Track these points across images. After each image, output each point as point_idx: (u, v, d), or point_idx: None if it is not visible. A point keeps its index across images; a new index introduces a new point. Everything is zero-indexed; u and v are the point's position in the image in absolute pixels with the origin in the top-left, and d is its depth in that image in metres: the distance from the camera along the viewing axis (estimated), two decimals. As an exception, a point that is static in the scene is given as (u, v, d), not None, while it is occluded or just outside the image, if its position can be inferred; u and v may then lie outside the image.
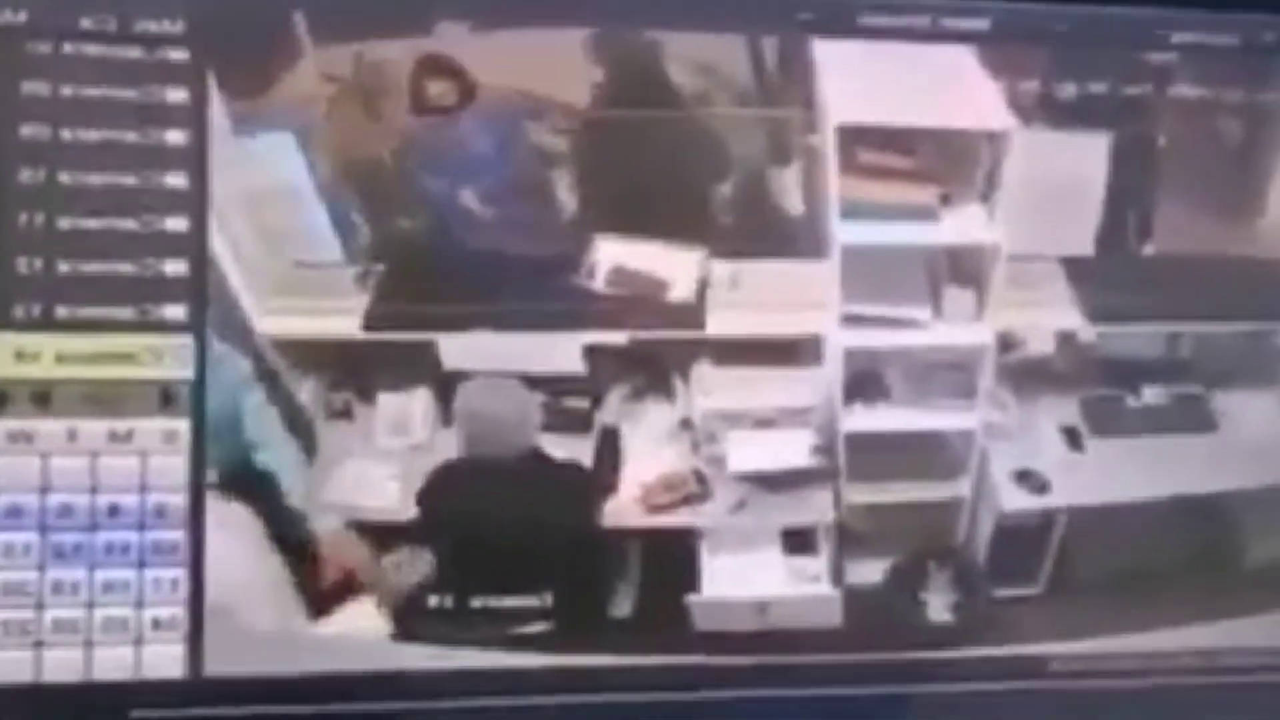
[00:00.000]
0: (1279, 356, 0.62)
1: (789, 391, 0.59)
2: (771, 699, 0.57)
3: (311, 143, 0.56)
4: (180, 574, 0.53)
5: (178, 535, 0.53)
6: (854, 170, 0.58)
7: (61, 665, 0.53)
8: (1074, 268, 0.61)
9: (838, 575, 0.59)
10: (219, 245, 0.54)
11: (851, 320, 0.59)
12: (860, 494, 0.59)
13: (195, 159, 0.54)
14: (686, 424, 0.58)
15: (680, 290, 0.58)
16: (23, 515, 0.53)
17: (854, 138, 0.58)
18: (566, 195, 0.58)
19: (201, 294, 0.54)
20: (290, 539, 0.55)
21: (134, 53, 0.54)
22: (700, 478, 0.58)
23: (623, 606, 0.57)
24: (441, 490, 0.56)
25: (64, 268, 0.53)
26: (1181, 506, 0.61)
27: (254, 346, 0.55)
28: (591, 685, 0.56)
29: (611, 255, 0.58)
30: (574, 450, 0.58)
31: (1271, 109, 0.62)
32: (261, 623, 0.54)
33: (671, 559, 0.57)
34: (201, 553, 0.53)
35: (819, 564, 0.59)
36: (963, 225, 0.60)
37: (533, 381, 0.57)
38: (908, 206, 0.59)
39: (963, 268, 0.60)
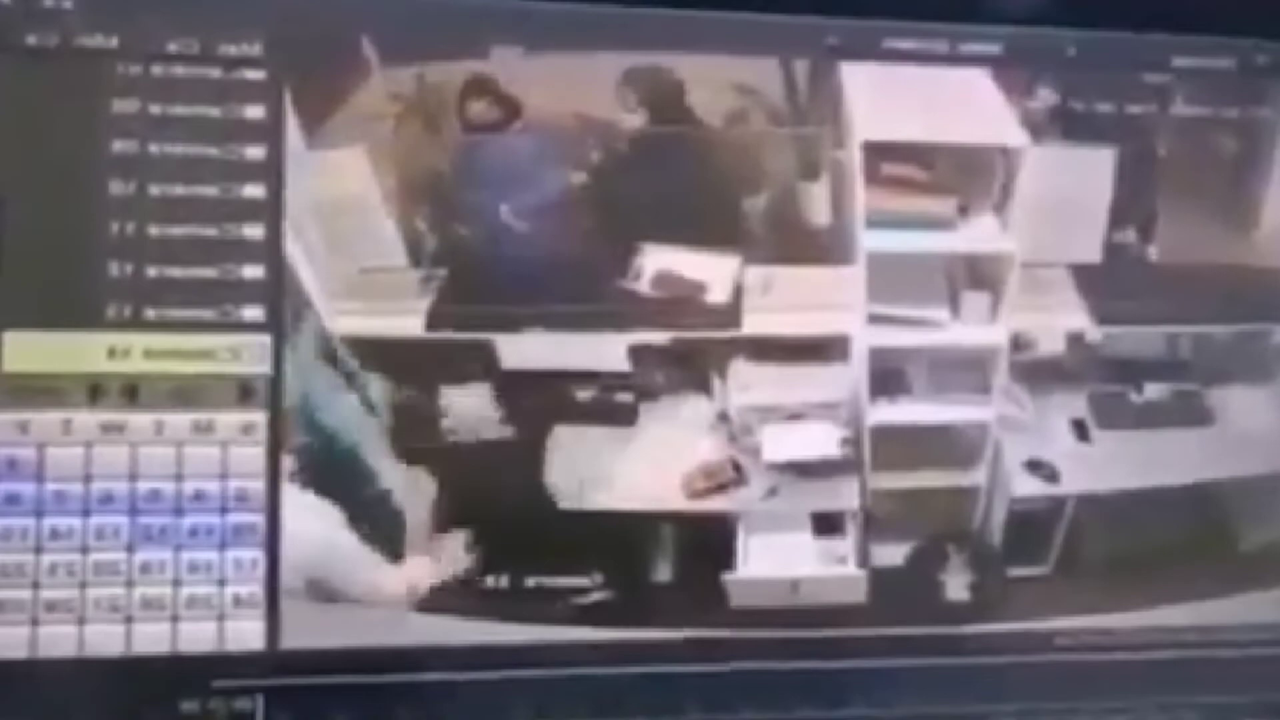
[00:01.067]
0: (1270, 356, 0.66)
1: (818, 387, 0.62)
2: (802, 670, 0.60)
3: (379, 157, 0.59)
4: (259, 554, 0.57)
5: (256, 519, 0.57)
6: (878, 183, 0.62)
7: (150, 638, 0.56)
8: (1082, 274, 0.64)
9: (863, 556, 0.61)
10: (294, 251, 0.58)
11: (876, 321, 0.62)
12: (884, 481, 0.62)
13: (272, 171, 0.58)
14: (724, 416, 0.61)
15: (718, 293, 0.61)
16: (114, 501, 0.56)
17: (878, 153, 0.62)
18: (613, 206, 0.61)
19: (277, 296, 0.58)
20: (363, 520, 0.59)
21: (216, 73, 0.58)
22: (737, 466, 0.61)
23: (665, 584, 0.60)
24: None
25: (151, 272, 0.57)
26: (1180, 494, 0.64)
27: (327, 345, 0.58)
28: (636, 657, 0.59)
29: (655, 261, 0.61)
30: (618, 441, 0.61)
31: (1264, 127, 0.65)
32: (334, 599, 0.58)
33: (710, 541, 0.61)
34: (278, 535, 0.57)
35: (846, 546, 0.61)
36: (979, 234, 0.63)
37: (581, 376, 0.61)
38: (928, 216, 0.62)
39: (979, 273, 0.63)
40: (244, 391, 0.57)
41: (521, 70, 0.60)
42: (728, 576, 0.60)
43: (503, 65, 0.60)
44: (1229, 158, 0.66)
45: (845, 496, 0.62)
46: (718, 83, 0.62)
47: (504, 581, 0.59)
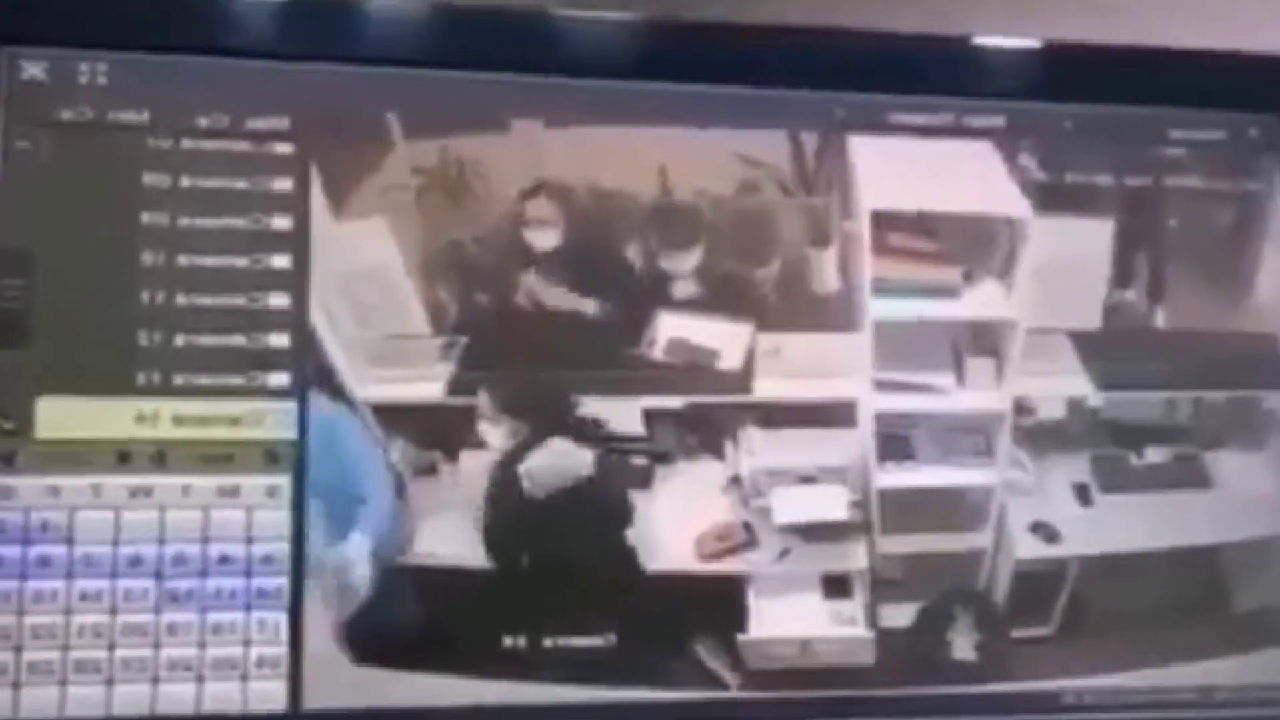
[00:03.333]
0: (1266, 421, 0.70)
1: (827, 451, 0.66)
2: (813, 730, 0.63)
3: (402, 227, 0.63)
4: (282, 617, 0.60)
5: (280, 581, 0.60)
6: (885, 252, 0.66)
7: (175, 699, 0.59)
8: (1083, 340, 0.68)
9: (872, 618, 0.65)
10: (319, 319, 0.62)
11: (883, 387, 0.66)
12: (892, 544, 0.66)
13: (298, 242, 0.62)
14: (736, 480, 0.65)
15: (730, 359, 0.65)
16: (142, 564, 0.60)
17: (886, 223, 0.66)
18: (630, 273, 0.66)
19: (302, 363, 0.62)
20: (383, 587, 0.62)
21: (244, 147, 0.62)
22: (748, 528, 0.65)
23: (680, 645, 0.64)
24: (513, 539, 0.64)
25: (180, 340, 0.61)
26: (1179, 556, 0.68)
27: (351, 411, 0.62)
28: (650, 717, 0.63)
29: (669, 328, 0.65)
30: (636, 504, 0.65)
31: (1256, 198, 0.70)
32: (358, 662, 0.61)
33: (723, 602, 0.64)
34: (302, 597, 0.60)
35: (855, 607, 0.65)
36: (983, 301, 0.67)
37: (599, 441, 0.64)
38: (933, 285, 0.67)
39: (983, 340, 0.67)
40: (270, 456, 0.61)
41: (542, 143, 0.65)
42: (740, 638, 0.64)
43: (523, 138, 0.65)
44: (1223, 227, 0.70)
45: (854, 558, 0.65)
46: (730, 155, 0.66)
47: (522, 642, 0.63)
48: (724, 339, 0.65)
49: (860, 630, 0.65)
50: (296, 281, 0.62)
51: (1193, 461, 0.69)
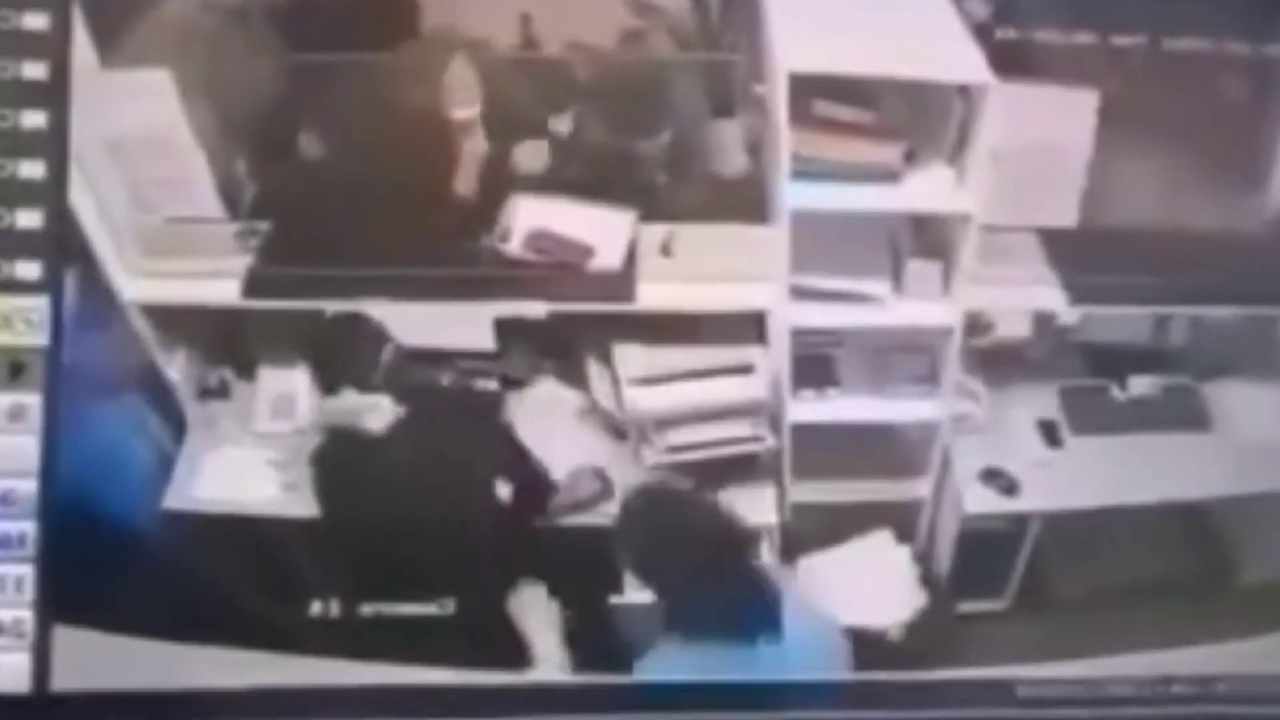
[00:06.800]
0: None
1: (728, 376, 0.63)
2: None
3: (190, 81, 0.61)
4: (27, 572, 0.57)
5: (25, 527, 0.57)
6: (807, 124, 0.63)
7: None
8: (1054, 241, 0.66)
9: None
10: (80, 195, 0.59)
11: (801, 295, 0.63)
12: (808, 493, 0.64)
13: (54, 96, 0.59)
14: (609, 410, 0.63)
15: (607, 257, 0.63)
16: None
17: (807, 87, 0.63)
18: (480, 145, 0.63)
19: (58, 250, 0.58)
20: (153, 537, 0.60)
21: None
22: (601, 476, 0.62)
23: (535, 615, 0.60)
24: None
25: (-103, 220, 0.60)
26: (1171, 513, 0.66)
27: (119, 314, 0.60)
28: (500, 707, 0.59)
29: (530, 216, 0.63)
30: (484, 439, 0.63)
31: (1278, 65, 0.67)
32: (119, 630, 0.58)
33: (590, 563, 0.61)
34: (54, 548, 0.57)
35: None
36: (929, 190, 0.64)
37: (437, 357, 0.62)
38: (868, 167, 0.64)
39: (928, 238, 0.65)
40: (14, 368, 0.58)
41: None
42: (614, 599, 0.62)
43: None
44: (1237, 101, 0.67)
45: (759, 511, 0.63)
46: (611, -2, 0.67)
47: (334, 609, 0.60)
48: (599, 230, 0.63)
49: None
50: (52, 146, 0.59)
51: (1188, 395, 0.67)
